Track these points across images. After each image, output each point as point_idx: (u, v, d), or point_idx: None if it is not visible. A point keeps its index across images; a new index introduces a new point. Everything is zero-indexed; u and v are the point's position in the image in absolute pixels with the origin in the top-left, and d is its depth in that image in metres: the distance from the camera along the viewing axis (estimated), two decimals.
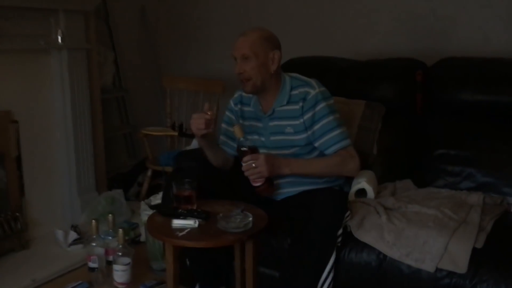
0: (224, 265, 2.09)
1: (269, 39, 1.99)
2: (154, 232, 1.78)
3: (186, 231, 1.73)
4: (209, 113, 1.91)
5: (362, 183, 2.09)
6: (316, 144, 2.00)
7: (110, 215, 2.41)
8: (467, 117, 2.34)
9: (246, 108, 2.13)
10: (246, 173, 1.88)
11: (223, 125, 2.20)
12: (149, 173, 3.23)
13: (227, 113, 2.19)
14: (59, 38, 2.67)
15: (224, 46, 3.50)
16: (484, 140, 2.24)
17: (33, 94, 2.69)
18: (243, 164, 1.88)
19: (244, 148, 1.90)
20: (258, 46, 1.95)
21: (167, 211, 1.88)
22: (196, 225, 1.75)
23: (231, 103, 2.19)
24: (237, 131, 1.90)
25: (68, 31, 2.71)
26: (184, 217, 1.79)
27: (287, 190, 2.06)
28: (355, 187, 2.11)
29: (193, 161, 2.12)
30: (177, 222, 1.76)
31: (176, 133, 3.25)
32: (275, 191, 2.02)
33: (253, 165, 1.86)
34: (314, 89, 1.99)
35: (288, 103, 2.01)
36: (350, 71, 2.66)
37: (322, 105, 1.98)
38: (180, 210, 1.84)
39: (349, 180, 2.18)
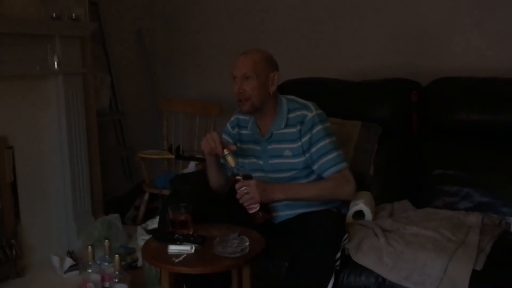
0: None
1: (270, 60, 2.01)
2: (150, 258, 1.75)
3: (182, 257, 1.70)
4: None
5: (360, 204, 2.08)
6: (314, 167, 2.00)
7: (106, 241, 2.38)
8: (463, 136, 2.34)
9: (243, 131, 2.13)
10: (240, 201, 1.89)
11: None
12: (146, 196, 3.21)
13: (224, 136, 2.19)
14: (55, 63, 2.68)
15: (220, 68, 3.54)
16: (481, 160, 2.24)
17: (28, 119, 2.69)
18: (237, 192, 1.89)
19: (239, 177, 1.91)
20: (260, 66, 1.96)
21: (163, 236, 1.86)
22: (193, 250, 1.73)
23: (228, 126, 2.19)
24: (229, 160, 1.90)
25: (64, 56, 2.72)
26: (180, 242, 1.77)
27: (284, 213, 2.04)
28: (353, 209, 2.09)
29: (189, 185, 2.11)
30: (173, 248, 1.74)
31: (173, 156, 3.24)
32: (272, 218, 2.00)
33: (245, 191, 1.86)
34: (311, 112, 1.99)
35: (286, 126, 2.01)
36: (345, 91, 2.67)
37: (318, 128, 1.98)
38: (176, 235, 1.82)
39: (346, 201, 2.17)
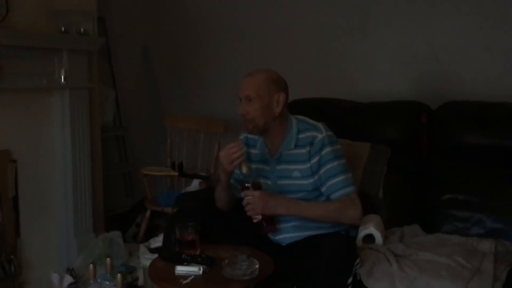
0: None
1: (276, 81, 1.98)
2: (157, 279, 1.71)
3: (190, 278, 1.67)
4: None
5: (370, 228, 2.05)
6: (322, 189, 1.97)
7: (108, 259, 2.33)
8: (474, 160, 2.31)
9: (252, 151, 2.10)
10: (245, 209, 1.88)
11: None
12: (147, 213, 3.17)
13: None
14: (62, 77, 2.65)
15: (226, 85, 3.53)
16: (492, 185, 2.21)
17: (33, 133, 2.66)
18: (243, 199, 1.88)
19: (248, 184, 1.90)
20: (263, 88, 1.93)
21: (170, 256, 1.82)
22: (201, 272, 1.69)
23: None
24: (243, 166, 1.90)
25: (71, 70, 2.70)
26: (188, 263, 1.73)
27: (292, 235, 2.00)
28: (363, 232, 2.06)
29: (196, 203, 2.07)
30: (180, 269, 1.70)
31: (176, 173, 3.20)
32: (275, 231, 1.98)
33: (249, 201, 1.86)
34: (321, 133, 1.97)
35: (296, 147, 1.98)
36: (354, 112, 2.65)
37: (327, 149, 1.95)
38: (183, 255, 1.78)
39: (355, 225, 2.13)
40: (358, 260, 1.78)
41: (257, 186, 1.90)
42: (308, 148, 1.96)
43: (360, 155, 2.42)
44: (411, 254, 1.88)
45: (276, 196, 1.92)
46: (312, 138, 1.96)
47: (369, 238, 2.07)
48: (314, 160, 1.95)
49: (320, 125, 2.02)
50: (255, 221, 1.90)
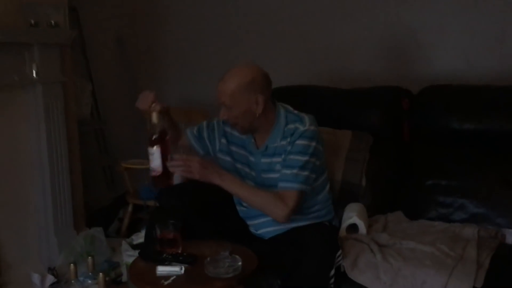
0: None
1: (250, 84, 1.85)
2: (137, 281, 1.68)
3: (171, 278, 1.63)
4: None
5: (354, 217, 2.03)
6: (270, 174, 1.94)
7: (89, 257, 2.29)
8: (456, 145, 2.31)
9: (236, 134, 2.02)
10: (171, 166, 1.79)
11: (208, 124, 2.12)
12: (129, 208, 3.12)
13: (214, 122, 2.09)
14: (34, 72, 2.56)
15: (206, 74, 3.46)
16: (474, 169, 2.21)
17: (6, 130, 2.56)
18: (173, 158, 1.79)
19: (155, 136, 1.78)
20: (237, 95, 1.84)
21: (151, 256, 1.78)
22: (182, 271, 1.66)
23: (216, 121, 2.09)
24: (154, 116, 1.81)
25: (43, 64, 2.60)
26: (169, 262, 1.70)
27: (274, 228, 1.98)
28: (346, 222, 2.04)
29: (176, 199, 2.03)
30: (162, 269, 1.67)
31: None
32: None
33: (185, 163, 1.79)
34: (303, 126, 1.91)
35: (281, 139, 1.94)
36: (335, 99, 2.62)
37: (300, 142, 1.88)
38: (164, 254, 1.75)
39: (338, 214, 2.12)
40: (339, 252, 1.76)
41: (163, 135, 1.80)
42: (288, 139, 1.92)
43: (342, 143, 2.40)
44: (394, 243, 1.88)
45: (213, 165, 1.88)
46: (294, 130, 1.92)
47: (353, 227, 2.06)
48: (288, 149, 1.90)
49: (306, 117, 1.95)
50: (154, 174, 1.82)
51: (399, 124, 2.47)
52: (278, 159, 1.94)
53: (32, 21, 2.55)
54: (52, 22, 2.65)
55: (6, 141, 2.57)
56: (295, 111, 2.00)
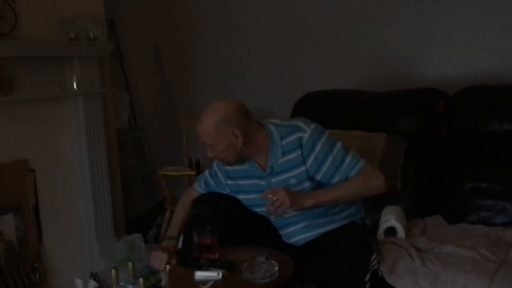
0: None
1: (224, 121, 1.84)
2: (176, 286, 1.71)
3: (209, 284, 1.65)
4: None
5: (392, 221, 2.01)
6: (333, 182, 1.90)
7: (130, 263, 2.34)
8: (495, 147, 2.25)
9: (239, 167, 2.00)
10: (269, 210, 1.82)
11: (211, 171, 2.13)
12: (167, 214, 3.17)
13: (215, 167, 2.10)
14: (75, 84, 2.66)
15: (239, 81, 3.51)
16: None
17: (49, 141, 2.68)
18: (267, 203, 1.82)
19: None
20: (214, 134, 1.85)
21: (189, 261, 1.81)
22: (220, 276, 1.68)
23: (216, 166, 2.09)
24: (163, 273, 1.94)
25: (83, 77, 2.70)
26: (207, 268, 1.73)
27: (305, 235, 1.97)
28: (384, 225, 2.02)
29: (213, 206, 2.05)
30: (200, 274, 1.70)
31: (193, 172, 3.19)
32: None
33: (274, 198, 1.79)
34: (305, 132, 1.89)
35: (284, 154, 1.91)
36: (369, 103, 2.60)
37: (320, 144, 1.88)
38: (202, 260, 1.77)
39: (369, 212, 2.09)
40: (374, 256, 1.75)
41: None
42: (299, 152, 1.89)
43: (376, 146, 2.37)
44: (433, 247, 1.84)
45: (296, 192, 1.87)
46: (299, 140, 1.89)
47: (391, 230, 2.03)
48: (310, 160, 1.88)
49: (300, 123, 1.93)
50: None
51: (435, 126, 2.43)
52: (291, 174, 1.91)
53: (72, 35, 2.66)
54: (91, 35, 2.76)
55: (49, 151, 2.68)
56: (284, 122, 1.98)
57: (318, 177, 1.90)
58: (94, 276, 2.65)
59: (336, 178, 1.89)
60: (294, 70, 3.28)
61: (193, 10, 3.65)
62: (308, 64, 3.22)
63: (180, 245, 2.36)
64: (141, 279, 2.15)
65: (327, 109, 2.63)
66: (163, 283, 2.56)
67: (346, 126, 2.48)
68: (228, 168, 2.03)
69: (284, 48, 3.31)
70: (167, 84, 3.87)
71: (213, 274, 1.68)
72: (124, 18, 3.62)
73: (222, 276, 1.68)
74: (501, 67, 2.66)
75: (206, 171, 2.16)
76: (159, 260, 1.96)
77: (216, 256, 1.81)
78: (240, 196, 2.04)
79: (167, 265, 1.93)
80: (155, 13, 3.77)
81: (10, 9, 2.39)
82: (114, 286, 2.25)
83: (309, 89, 2.81)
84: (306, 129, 1.90)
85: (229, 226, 1.94)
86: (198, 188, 2.16)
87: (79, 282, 2.59)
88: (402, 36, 2.92)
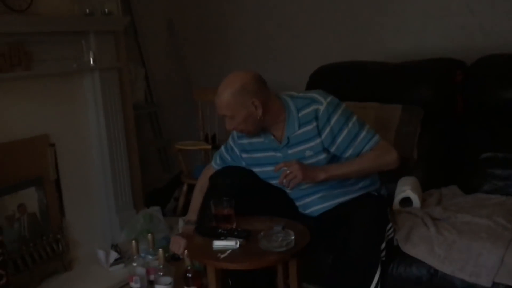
0: (267, 282, 2.04)
1: (242, 91, 1.85)
2: (195, 254, 1.76)
3: (227, 252, 1.69)
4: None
5: (407, 191, 2.02)
6: (346, 156, 1.91)
7: (149, 234, 2.40)
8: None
9: (255, 140, 2.02)
10: (284, 183, 1.84)
11: (226, 147, 2.15)
12: (184, 187, 3.22)
13: (230, 142, 2.11)
14: (91, 59, 2.68)
15: (254, 54, 3.50)
16: None
17: (68, 116, 2.71)
18: (280, 176, 1.84)
19: (189, 274, 2.00)
20: (233, 106, 1.86)
21: (207, 231, 1.85)
22: (237, 245, 1.72)
23: (234, 135, 2.09)
24: (186, 260, 2.01)
25: (99, 52, 2.72)
26: (225, 237, 1.76)
27: (321, 206, 1.99)
28: (400, 195, 2.03)
29: (228, 178, 2.08)
30: (218, 244, 1.73)
31: (209, 146, 3.22)
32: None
33: (288, 171, 1.81)
34: (321, 104, 1.89)
35: (300, 126, 1.92)
36: (384, 75, 2.59)
37: (335, 117, 1.88)
38: (220, 230, 1.81)
39: (385, 183, 2.09)
40: (390, 225, 1.77)
41: (197, 276, 2.00)
42: (314, 124, 1.90)
43: (392, 117, 2.37)
44: (449, 216, 1.86)
45: (309, 165, 1.89)
46: (315, 112, 1.89)
47: (407, 201, 2.05)
48: (325, 132, 1.89)
49: (316, 95, 1.93)
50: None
51: (452, 97, 2.41)
52: (306, 146, 1.92)
53: (87, 10, 2.67)
54: (106, 10, 2.76)
55: (69, 126, 2.72)
56: (300, 94, 1.97)
57: (333, 149, 1.91)
58: (115, 247, 2.72)
59: (350, 152, 1.90)
60: (309, 43, 3.25)
61: None
62: (323, 37, 3.19)
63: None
64: (160, 250, 2.21)
65: (342, 81, 2.62)
66: (186, 271, 2.62)
67: (362, 98, 2.47)
68: (244, 141, 2.04)
69: (298, 22, 3.28)
70: (182, 58, 3.87)
71: (230, 243, 1.72)
72: None
73: (240, 245, 1.72)
74: None
75: (222, 147, 2.18)
76: (179, 245, 2.01)
77: (234, 226, 1.84)
78: (256, 169, 2.07)
79: (185, 250, 1.98)
80: None
81: None
82: (135, 257, 2.31)
83: (324, 62, 2.79)
84: (322, 101, 1.90)
85: (246, 197, 1.96)
86: (215, 165, 2.19)
87: (101, 253, 2.66)
88: (418, 6, 2.87)
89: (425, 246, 1.72)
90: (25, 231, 2.47)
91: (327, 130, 1.89)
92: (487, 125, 2.28)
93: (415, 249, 1.73)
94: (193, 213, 2.13)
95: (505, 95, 2.25)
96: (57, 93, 2.65)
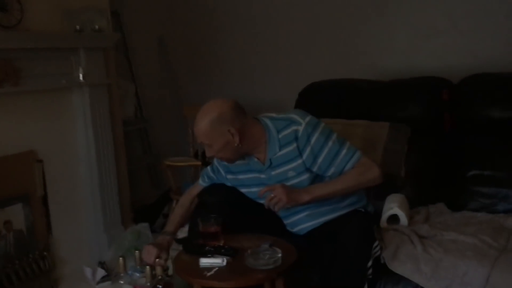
0: None
1: (219, 120, 1.86)
2: (181, 272, 1.74)
3: (214, 270, 1.68)
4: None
5: (395, 208, 2.02)
6: (329, 174, 1.92)
7: (136, 251, 2.38)
8: (498, 135, 2.25)
9: (239, 161, 2.01)
10: (266, 204, 1.85)
11: (212, 167, 2.15)
12: (173, 204, 3.20)
13: (216, 163, 2.11)
14: (80, 75, 2.69)
15: (244, 71, 3.52)
16: None
17: (56, 132, 2.71)
18: (265, 200, 1.85)
19: (159, 286, 1.95)
20: (210, 133, 1.87)
21: (194, 249, 1.84)
22: (224, 263, 1.71)
23: (216, 160, 2.08)
24: (158, 270, 1.99)
25: (89, 68, 2.73)
26: (212, 254, 1.75)
27: (309, 224, 1.99)
28: (387, 213, 2.04)
29: (216, 196, 2.08)
30: (204, 261, 1.72)
31: (199, 163, 3.22)
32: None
33: (271, 194, 1.82)
34: (300, 125, 1.90)
35: (281, 148, 1.92)
36: (373, 92, 2.61)
37: (315, 136, 1.89)
38: (207, 247, 1.80)
39: (371, 200, 2.10)
40: (376, 243, 1.77)
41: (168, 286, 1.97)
42: (295, 144, 1.90)
43: (380, 135, 2.39)
44: (435, 234, 1.86)
45: (293, 188, 1.89)
46: (295, 133, 1.90)
47: (394, 218, 2.05)
48: (306, 153, 1.90)
49: (295, 115, 1.95)
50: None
51: (439, 115, 2.43)
52: (289, 166, 1.93)
53: (77, 27, 2.68)
54: (96, 26, 2.77)
55: (57, 142, 2.72)
56: (280, 115, 1.98)
57: (315, 169, 1.91)
58: (102, 264, 2.69)
59: (332, 170, 1.91)
60: (298, 61, 3.28)
61: (198, 1, 3.66)
62: (313, 55, 3.23)
63: (183, 235, 2.39)
64: (147, 267, 2.19)
65: (331, 99, 2.64)
66: (170, 272, 2.60)
67: (351, 115, 2.49)
68: (227, 163, 2.04)
69: (288, 40, 3.31)
70: (172, 75, 3.88)
71: (217, 261, 1.71)
72: (129, 9, 3.63)
73: (227, 263, 1.71)
74: (506, 55, 2.65)
75: (208, 167, 2.18)
76: (150, 255, 2.00)
77: (221, 244, 1.84)
78: (242, 190, 2.07)
79: (157, 259, 1.98)
80: (159, 4, 3.78)
81: (16, 1, 2.41)
82: (122, 274, 2.29)
83: (313, 79, 2.82)
84: (301, 122, 1.91)
85: (234, 215, 1.96)
86: (203, 183, 2.19)
87: (88, 271, 2.63)
88: (406, 25, 2.91)
89: (412, 264, 1.72)
90: (11, 248, 2.44)
91: (308, 150, 1.89)
92: (473, 143, 2.30)
93: (402, 267, 1.73)
94: (170, 225, 2.13)
95: (491, 114, 2.28)
96: (45, 109, 2.65)
